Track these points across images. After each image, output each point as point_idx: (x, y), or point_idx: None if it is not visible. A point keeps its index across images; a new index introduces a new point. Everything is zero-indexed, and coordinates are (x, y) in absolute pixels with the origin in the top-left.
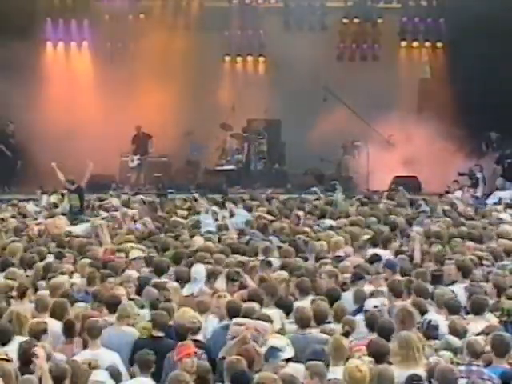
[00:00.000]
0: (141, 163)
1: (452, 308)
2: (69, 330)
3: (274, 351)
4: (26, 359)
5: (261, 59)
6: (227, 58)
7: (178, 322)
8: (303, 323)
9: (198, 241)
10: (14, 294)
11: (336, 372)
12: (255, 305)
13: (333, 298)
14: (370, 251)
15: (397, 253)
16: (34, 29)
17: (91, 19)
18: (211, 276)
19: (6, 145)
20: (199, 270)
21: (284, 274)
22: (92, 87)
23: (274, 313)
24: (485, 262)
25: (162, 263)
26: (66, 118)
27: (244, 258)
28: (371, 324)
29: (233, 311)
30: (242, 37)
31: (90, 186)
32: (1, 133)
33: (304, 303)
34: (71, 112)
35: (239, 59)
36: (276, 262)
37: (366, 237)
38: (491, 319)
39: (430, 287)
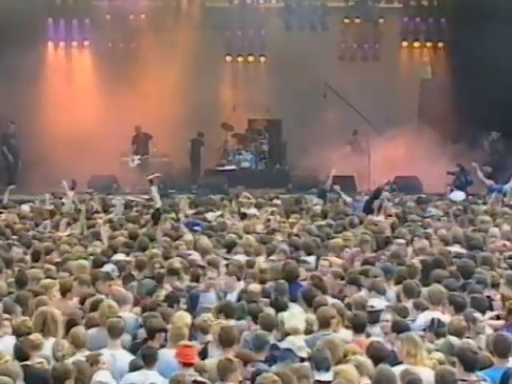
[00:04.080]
0: (141, 163)
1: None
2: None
3: (286, 352)
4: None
5: (262, 59)
6: (228, 58)
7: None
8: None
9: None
10: None
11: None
12: None
13: None
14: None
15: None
16: (35, 29)
17: (92, 19)
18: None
19: (8, 146)
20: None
21: None
22: (93, 87)
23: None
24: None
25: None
26: (67, 118)
27: None
28: (360, 326)
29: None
30: (243, 37)
31: (90, 187)
32: (2, 134)
33: None
34: (72, 112)
35: (240, 59)
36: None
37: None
38: None
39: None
